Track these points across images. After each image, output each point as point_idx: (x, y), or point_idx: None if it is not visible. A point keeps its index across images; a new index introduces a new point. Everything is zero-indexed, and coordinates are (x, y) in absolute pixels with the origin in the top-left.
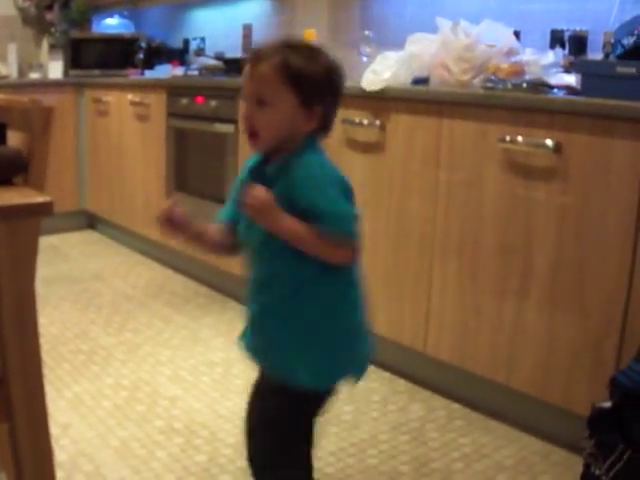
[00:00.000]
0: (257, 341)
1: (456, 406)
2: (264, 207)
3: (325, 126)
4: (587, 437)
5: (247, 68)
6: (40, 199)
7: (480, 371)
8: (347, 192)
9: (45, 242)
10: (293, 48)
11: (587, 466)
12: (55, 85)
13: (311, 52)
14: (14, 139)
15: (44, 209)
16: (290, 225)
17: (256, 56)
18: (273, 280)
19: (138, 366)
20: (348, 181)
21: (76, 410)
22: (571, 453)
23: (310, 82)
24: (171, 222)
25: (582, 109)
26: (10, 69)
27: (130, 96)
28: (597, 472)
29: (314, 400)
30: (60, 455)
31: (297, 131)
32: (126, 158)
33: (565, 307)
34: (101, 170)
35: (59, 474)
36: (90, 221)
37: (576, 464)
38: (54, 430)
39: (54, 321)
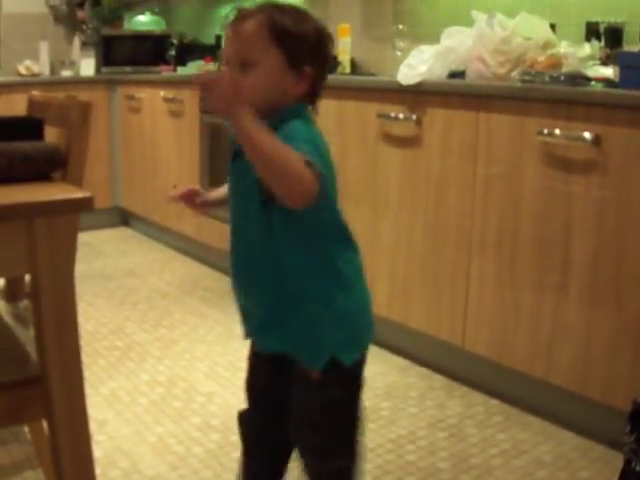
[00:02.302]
0: (281, 332)
1: (494, 402)
2: (229, 93)
3: (314, 92)
4: (628, 432)
5: (229, 29)
6: (80, 194)
7: (518, 366)
8: (323, 157)
9: (79, 239)
10: (279, 8)
11: (628, 462)
12: (87, 82)
13: (298, 13)
14: (52, 135)
15: (84, 204)
16: (257, 126)
17: (239, 15)
18: (280, 259)
19: (174, 362)
20: (328, 151)
21: (112, 406)
22: (610, 449)
23: (299, 40)
24: (188, 203)
25: (620, 101)
26: (42, 67)
27: (163, 92)
28: (638, 468)
29: (359, 372)
30: (96, 451)
31: (285, 95)
32: (159, 155)
33: (604, 302)
34: (134, 167)
35: (96, 470)
36: (124, 218)
37: (615, 459)
38: (90, 426)
39: (89, 318)
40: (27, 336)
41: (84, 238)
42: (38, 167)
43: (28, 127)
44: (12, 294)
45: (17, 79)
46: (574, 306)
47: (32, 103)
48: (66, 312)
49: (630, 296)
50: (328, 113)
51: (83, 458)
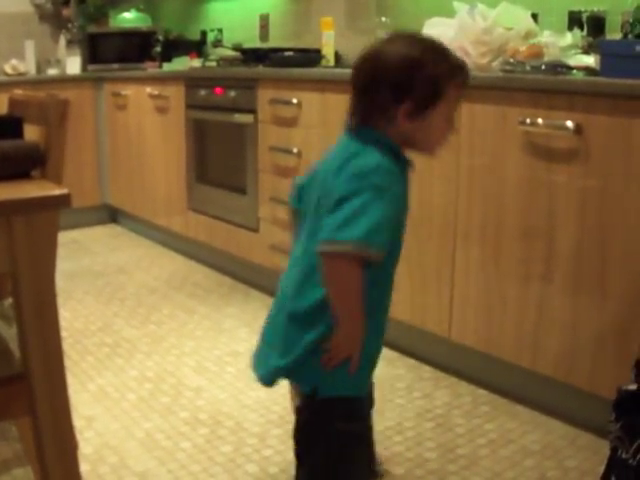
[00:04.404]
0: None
1: (482, 392)
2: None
3: None
4: (613, 420)
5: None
6: (58, 191)
7: (505, 356)
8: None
9: (67, 237)
10: None
11: (614, 450)
12: (73, 80)
13: None
14: (32, 133)
15: (62, 201)
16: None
17: None
18: None
19: (162, 358)
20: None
21: (100, 403)
22: (598, 437)
23: None
24: None
25: (602, 90)
26: (28, 66)
27: (149, 89)
28: (624, 455)
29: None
30: (85, 448)
31: None
32: (146, 151)
33: (589, 290)
34: (121, 164)
35: (84, 467)
36: (112, 215)
37: (603, 448)
38: (78, 423)
39: (77, 315)
40: (11, 334)
41: (73, 236)
42: (17, 165)
43: (7, 126)
44: None
45: (2, 78)
46: (559, 296)
47: (13, 102)
48: (47, 308)
49: (614, 284)
50: (312, 107)
51: (67, 454)
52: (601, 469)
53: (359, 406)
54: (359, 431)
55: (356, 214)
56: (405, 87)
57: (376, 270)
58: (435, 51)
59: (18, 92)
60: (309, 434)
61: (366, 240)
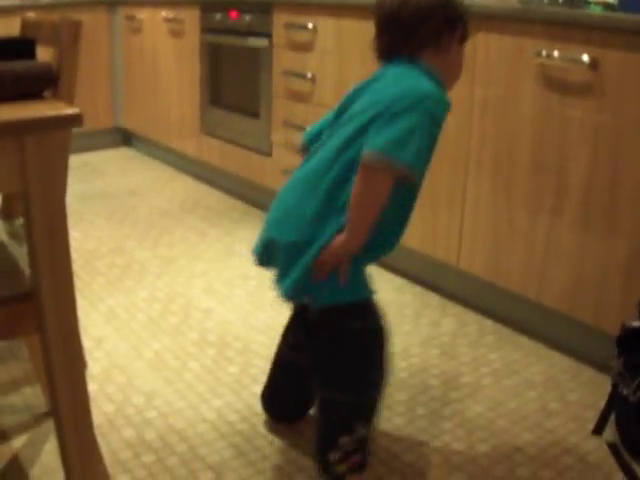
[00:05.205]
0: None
1: (487, 322)
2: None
3: None
4: (616, 356)
5: None
6: (69, 111)
7: (512, 287)
8: None
9: (80, 160)
10: None
11: (615, 386)
12: (88, 3)
13: None
14: (44, 54)
15: (73, 121)
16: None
17: None
18: None
19: (173, 279)
20: None
21: (110, 323)
22: (600, 372)
23: None
24: None
25: (619, 24)
26: None
27: (164, 12)
28: (625, 391)
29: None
30: (93, 367)
31: None
32: (160, 75)
33: (598, 226)
34: (136, 87)
35: (92, 386)
36: (125, 138)
37: (605, 383)
38: (88, 343)
39: (89, 236)
40: (21, 253)
41: (86, 158)
42: (30, 86)
43: (20, 47)
44: (8, 212)
45: (16, 2)
46: (568, 229)
47: (25, 24)
48: (57, 228)
49: (623, 221)
50: (328, 32)
51: (75, 373)
52: (602, 404)
53: (366, 305)
54: (375, 327)
55: (409, 134)
56: (457, 17)
57: (402, 188)
58: None
59: (30, 15)
60: (327, 340)
61: (413, 164)
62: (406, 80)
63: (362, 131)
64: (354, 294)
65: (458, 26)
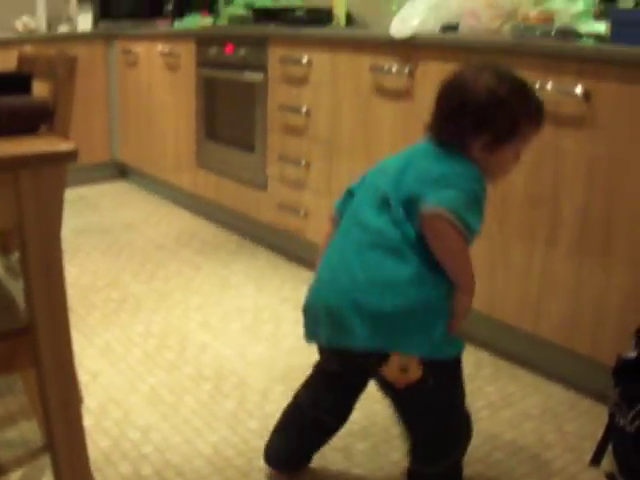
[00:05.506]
0: None
1: (484, 354)
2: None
3: None
4: (612, 387)
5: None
6: (64, 146)
7: (508, 319)
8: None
9: (76, 193)
10: None
11: (612, 416)
12: (84, 37)
13: None
14: (40, 89)
15: (69, 156)
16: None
17: None
18: None
19: (168, 313)
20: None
21: (106, 358)
22: (597, 403)
23: None
24: None
25: (612, 57)
26: (39, 22)
27: (160, 47)
28: (621, 422)
29: None
30: (89, 402)
31: None
32: (156, 108)
33: (593, 257)
34: (131, 121)
35: (88, 420)
36: (121, 171)
37: (602, 414)
38: (84, 377)
39: (85, 270)
40: (17, 288)
41: (81, 192)
42: (27, 121)
43: (16, 82)
44: (4, 246)
45: (13, 35)
46: (563, 261)
47: (22, 58)
48: (53, 262)
49: (619, 252)
50: (322, 66)
51: (71, 407)
52: (600, 434)
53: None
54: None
55: (471, 202)
56: (487, 121)
57: None
58: (520, 91)
59: (27, 49)
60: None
61: (476, 233)
62: (455, 164)
63: (415, 200)
64: (457, 348)
65: (508, 126)
